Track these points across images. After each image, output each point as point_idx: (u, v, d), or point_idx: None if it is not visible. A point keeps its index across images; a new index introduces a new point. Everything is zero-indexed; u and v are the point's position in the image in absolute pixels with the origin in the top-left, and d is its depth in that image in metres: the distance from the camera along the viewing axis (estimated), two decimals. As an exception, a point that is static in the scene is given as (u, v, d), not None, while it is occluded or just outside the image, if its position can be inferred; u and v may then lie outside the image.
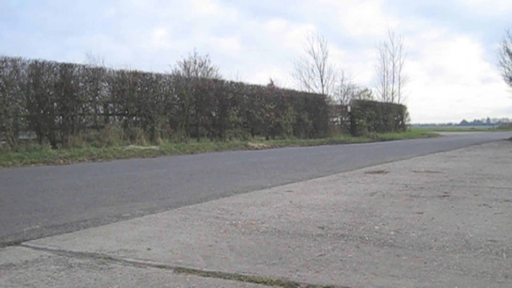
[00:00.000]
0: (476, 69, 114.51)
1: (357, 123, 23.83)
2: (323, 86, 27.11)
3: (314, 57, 28.14)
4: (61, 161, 8.31)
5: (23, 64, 9.93)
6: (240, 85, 16.10)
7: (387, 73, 32.54)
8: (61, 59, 13.23)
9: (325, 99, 21.83)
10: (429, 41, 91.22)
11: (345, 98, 26.80)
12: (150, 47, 62.81)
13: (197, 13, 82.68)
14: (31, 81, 10.02)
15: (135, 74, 12.47)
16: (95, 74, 11.43)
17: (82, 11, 67.83)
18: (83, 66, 11.20)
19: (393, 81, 32.58)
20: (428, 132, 32.46)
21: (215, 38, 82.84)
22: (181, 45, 72.26)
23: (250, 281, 1.72)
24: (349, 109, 23.91)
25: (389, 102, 30.32)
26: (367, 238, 2.34)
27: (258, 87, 17.01)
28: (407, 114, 30.84)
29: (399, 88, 32.58)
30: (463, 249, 2.10)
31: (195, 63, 24.70)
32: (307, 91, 23.68)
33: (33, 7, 74.50)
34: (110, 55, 56.64)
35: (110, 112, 12.38)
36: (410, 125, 31.78)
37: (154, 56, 57.49)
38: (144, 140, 11.71)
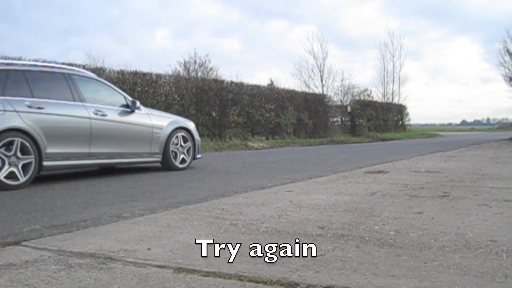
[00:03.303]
0: (476, 69, 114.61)
1: (357, 123, 23.82)
2: (323, 86, 27.10)
3: (314, 57, 28.07)
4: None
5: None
6: (240, 85, 16.09)
7: (387, 73, 32.52)
8: (63, 60, 13.21)
9: (325, 99, 21.82)
10: (429, 41, 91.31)
11: (345, 98, 26.80)
12: (152, 47, 62.76)
13: (199, 13, 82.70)
14: (31, 81, 10.00)
15: (135, 74, 12.47)
16: (95, 74, 11.42)
17: (84, 12, 67.87)
18: (83, 66, 11.19)
19: (393, 81, 32.56)
20: (428, 132, 32.46)
21: (216, 38, 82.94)
22: (183, 46, 72.45)
23: (250, 281, 1.72)
24: (349, 109, 23.89)
25: (389, 102, 30.30)
26: (367, 238, 2.34)
27: (258, 87, 17.00)
28: (407, 114, 30.84)
29: (399, 88, 32.57)
30: (463, 249, 2.10)
31: (195, 63, 24.66)
32: (307, 91, 23.65)
33: (36, 8, 74.60)
34: (111, 56, 56.52)
35: (110, 112, 12.36)
36: (410, 125, 31.75)
37: (156, 57, 57.47)
38: (144, 140, 11.69)
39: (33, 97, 5.08)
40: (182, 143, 6.70)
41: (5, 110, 4.74)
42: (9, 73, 5.06)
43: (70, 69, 5.91)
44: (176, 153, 6.60)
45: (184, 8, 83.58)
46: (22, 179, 4.80)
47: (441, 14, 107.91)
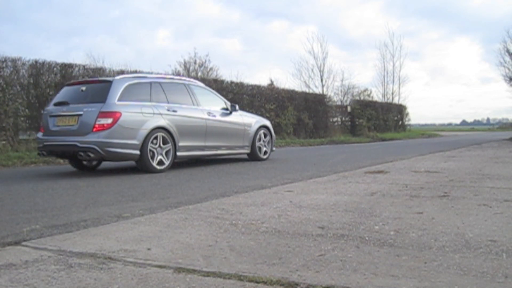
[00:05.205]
0: (476, 69, 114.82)
1: (357, 123, 23.80)
2: (323, 86, 27.04)
3: (314, 57, 27.98)
4: (61, 161, 8.30)
5: (23, 64, 9.92)
6: (240, 85, 16.09)
7: (387, 73, 32.43)
8: (64, 60, 13.13)
9: (325, 99, 21.79)
10: (429, 42, 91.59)
11: (345, 98, 26.73)
12: (153, 47, 62.83)
13: (200, 14, 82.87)
14: (31, 81, 10.01)
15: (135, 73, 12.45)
16: (95, 74, 11.42)
17: (86, 12, 67.95)
18: (83, 66, 11.19)
19: (393, 81, 32.47)
20: (428, 132, 32.43)
21: (217, 39, 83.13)
22: (184, 46, 72.37)
23: (250, 281, 1.72)
24: (349, 109, 23.87)
25: (389, 102, 30.26)
26: (367, 238, 2.34)
27: (258, 87, 16.99)
28: (407, 114, 30.80)
29: (399, 88, 32.50)
30: (463, 249, 2.10)
31: (195, 63, 24.60)
32: (307, 91, 23.62)
33: (38, 9, 74.71)
34: (113, 56, 56.76)
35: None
36: (410, 125, 31.72)
37: (156, 57, 57.52)
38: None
39: (168, 102, 6.61)
40: (264, 138, 8.30)
41: (153, 113, 6.27)
42: (152, 85, 6.56)
43: (188, 80, 7.61)
44: (260, 146, 8.19)
45: (185, 9, 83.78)
46: (165, 164, 6.34)
47: (441, 14, 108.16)
